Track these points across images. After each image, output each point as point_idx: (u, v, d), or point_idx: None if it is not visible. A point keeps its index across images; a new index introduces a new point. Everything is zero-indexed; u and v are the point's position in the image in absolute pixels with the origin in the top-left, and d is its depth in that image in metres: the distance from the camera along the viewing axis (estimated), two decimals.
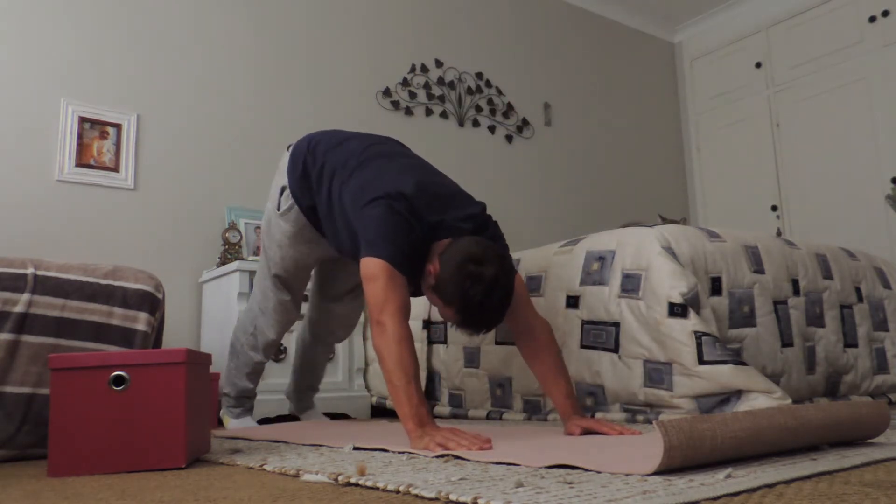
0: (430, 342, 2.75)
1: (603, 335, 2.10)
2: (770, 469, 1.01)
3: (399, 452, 1.41)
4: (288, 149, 2.12)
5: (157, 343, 1.88)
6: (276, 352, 2.53)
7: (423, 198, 1.71)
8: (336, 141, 1.99)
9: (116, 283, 1.79)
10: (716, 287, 2.13)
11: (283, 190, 2.04)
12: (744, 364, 1.91)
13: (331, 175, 1.91)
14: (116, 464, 1.32)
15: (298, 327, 2.62)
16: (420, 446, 1.42)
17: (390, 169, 1.80)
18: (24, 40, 2.98)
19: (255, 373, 2.36)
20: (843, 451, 1.20)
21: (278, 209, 2.07)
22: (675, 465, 0.98)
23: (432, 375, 2.74)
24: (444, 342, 2.69)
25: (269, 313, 2.24)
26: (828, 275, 2.51)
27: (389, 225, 1.65)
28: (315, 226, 2.05)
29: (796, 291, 2.36)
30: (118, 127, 3.12)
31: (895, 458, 1.13)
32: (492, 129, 4.36)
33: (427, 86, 4.15)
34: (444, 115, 4.17)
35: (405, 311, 1.62)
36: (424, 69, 4.16)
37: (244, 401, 2.39)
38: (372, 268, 1.63)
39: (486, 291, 1.58)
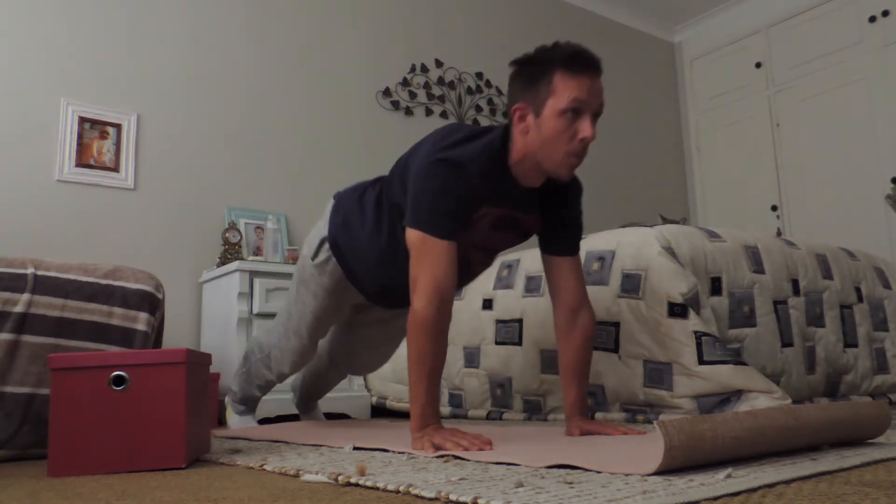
0: None
1: (603, 335, 2.10)
2: (770, 469, 1.01)
3: (399, 452, 1.41)
4: (334, 197, 1.99)
5: (157, 343, 1.88)
6: None
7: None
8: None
9: (116, 283, 1.79)
10: (716, 287, 2.13)
11: (322, 241, 1.91)
12: (744, 364, 1.91)
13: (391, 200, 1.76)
14: (116, 464, 1.32)
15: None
16: (418, 447, 1.42)
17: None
18: (24, 40, 2.98)
19: (267, 386, 2.29)
20: (843, 451, 1.20)
21: (314, 258, 1.92)
22: (675, 466, 0.98)
23: None
24: None
25: (287, 353, 2.10)
26: (828, 275, 2.51)
27: (431, 185, 1.52)
28: (352, 277, 1.90)
29: (796, 291, 2.36)
30: (118, 127, 3.12)
31: (895, 458, 1.13)
32: None
33: (427, 86, 4.15)
34: (444, 115, 4.18)
35: (437, 289, 1.48)
36: (424, 69, 4.16)
37: (249, 401, 2.38)
38: (410, 239, 1.54)
39: (546, 45, 1.57)
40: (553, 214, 1.72)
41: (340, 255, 1.87)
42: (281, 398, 2.81)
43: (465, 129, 1.61)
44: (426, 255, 1.50)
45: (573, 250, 1.74)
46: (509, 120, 1.60)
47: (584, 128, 1.52)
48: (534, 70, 1.54)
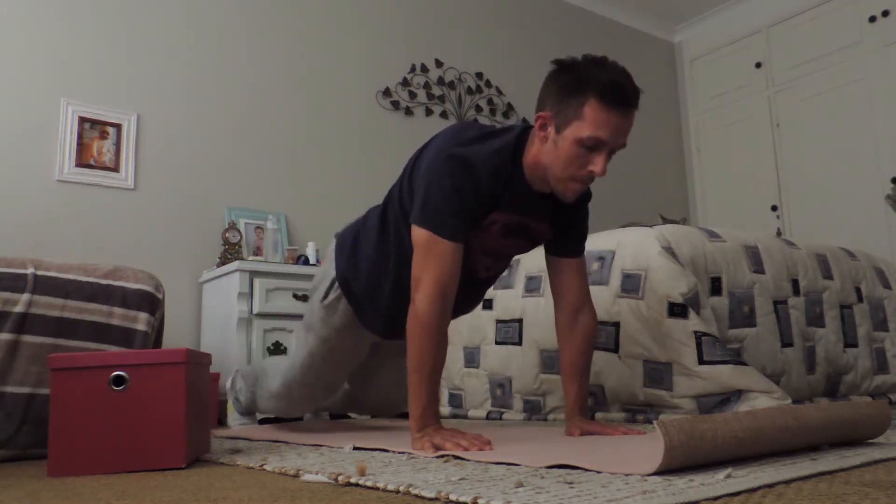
0: None
1: (603, 335, 2.10)
2: (770, 469, 1.01)
3: (399, 452, 1.41)
4: (336, 237, 1.91)
5: (157, 343, 1.88)
6: None
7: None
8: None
9: (116, 283, 1.79)
10: (716, 287, 2.13)
11: (332, 282, 1.82)
12: (744, 364, 1.91)
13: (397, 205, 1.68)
14: (116, 464, 1.32)
15: None
16: (418, 447, 1.42)
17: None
18: (25, 40, 2.98)
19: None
20: (843, 451, 1.20)
21: (323, 299, 1.82)
22: (675, 466, 0.98)
23: None
24: None
25: (298, 402, 2.00)
26: (828, 275, 2.51)
27: (442, 182, 1.48)
28: (360, 313, 1.82)
29: (796, 291, 2.35)
30: (118, 127, 3.12)
31: (895, 458, 1.13)
32: None
33: (427, 86, 4.15)
34: (444, 115, 4.17)
35: (440, 290, 1.47)
36: (424, 69, 4.16)
37: (253, 412, 2.32)
38: (415, 236, 1.52)
39: (594, 59, 1.48)
40: (562, 220, 1.69)
41: (350, 292, 1.79)
42: None
43: (478, 128, 1.58)
44: (431, 254, 1.49)
45: (577, 252, 1.72)
46: (533, 123, 1.56)
47: (597, 162, 1.48)
48: (571, 84, 1.47)
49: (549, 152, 1.51)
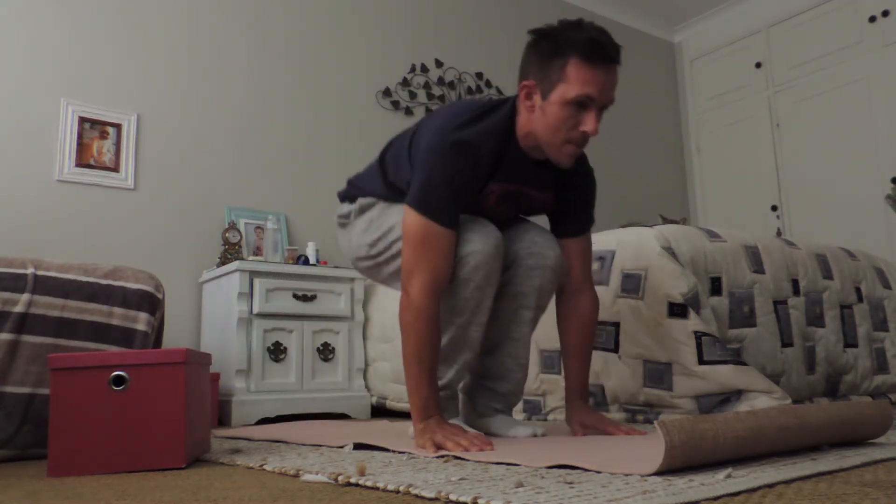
0: None
1: (603, 335, 2.10)
2: (770, 469, 1.01)
3: (399, 452, 1.41)
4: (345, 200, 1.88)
5: (157, 343, 1.88)
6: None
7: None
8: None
9: (116, 283, 1.79)
10: (716, 287, 2.13)
11: (350, 213, 1.82)
12: (744, 364, 1.91)
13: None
14: (116, 464, 1.32)
15: None
16: (420, 443, 1.42)
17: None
18: (24, 40, 2.98)
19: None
20: (843, 451, 1.20)
21: (349, 217, 1.82)
22: (676, 465, 0.98)
23: None
24: None
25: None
26: (828, 275, 2.51)
27: (445, 169, 1.47)
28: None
29: (796, 291, 2.35)
30: (118, 127, 3.12)
31: (895, 458, 1.13)
32: None
33: (427, 86, 4.15)
34: None
35: (436, 281, 1.47)
36: (424, 69, 4.16)
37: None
38: (409, 223, 1.49)
39: (570, 21, 1.51)
40: (566, 196, 1.70)
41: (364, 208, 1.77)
42: (281, 398, 2.81)
43: (474, 107, 1.57)
44: (428, 244, 1.48)
45: (579, 231, 1.72)
46: (517, 93, 1.58)
47: (588, 121, 1.50)
48: (550, 48, 1.50)
49: (537, 120, 1.53)
